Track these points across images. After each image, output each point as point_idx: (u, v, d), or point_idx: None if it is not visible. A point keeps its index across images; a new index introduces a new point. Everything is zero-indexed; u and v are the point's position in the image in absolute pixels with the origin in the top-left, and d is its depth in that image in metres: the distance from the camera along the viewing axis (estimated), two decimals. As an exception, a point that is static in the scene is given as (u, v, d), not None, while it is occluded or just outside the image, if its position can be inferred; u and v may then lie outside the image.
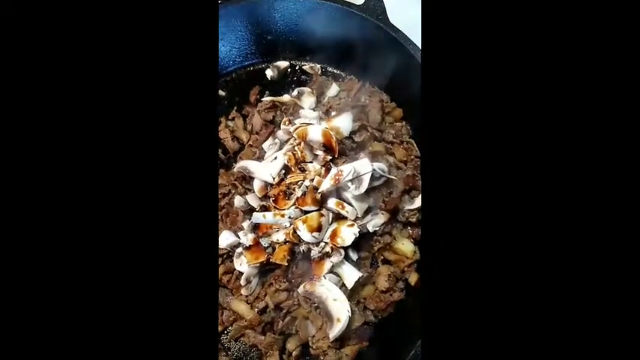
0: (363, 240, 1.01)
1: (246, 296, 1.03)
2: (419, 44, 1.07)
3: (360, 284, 0.99)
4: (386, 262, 1.04)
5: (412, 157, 1.12)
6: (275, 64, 1.33)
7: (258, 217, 0.99)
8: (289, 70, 1.33)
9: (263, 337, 1.00)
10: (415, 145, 1.14)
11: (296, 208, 0.98)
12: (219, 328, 1.04)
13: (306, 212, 0.98)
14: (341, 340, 0.97)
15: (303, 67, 1.33)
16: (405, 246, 1.04)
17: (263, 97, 1.26)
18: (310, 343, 0.99)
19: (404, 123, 1.18)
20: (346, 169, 0.95)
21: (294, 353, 0.99)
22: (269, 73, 1.32)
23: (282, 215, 0.97)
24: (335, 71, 1.31)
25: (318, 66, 1.31)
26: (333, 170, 0.96)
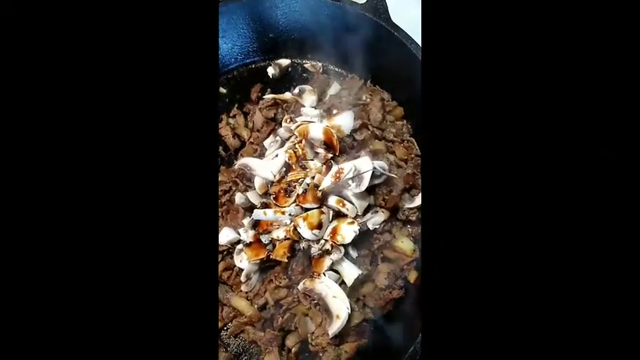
0: (363, 238, 1.01)
1: (246, 293, 1.04)
2: (421, 43, 1.07)
3: (359, 282, 1.00)
4: (385, 259, 1.04)
5: (412, 155, 1.13)
6: (276, 61, 1.33)
7: (258, 213, 0.99)
8: (291, 68, 1.34)
9: (262, 334, 1.01)
10: (416, 143, 1.15)
11: (296, 205, 0.98)
12: (219, 325, 1.05)
13: (307, 210, 0.98)
14: (340, 337, 0.98)
15: (305, 66, 1.33)
16: (405, 244, 1.04)
17: (264, 94, 1.27)
18: (309, 340, 0.99)
19: (405, 122, 1.18)
20: (347, 167, 0.95)
21: (293, 350, 1.00)
22: (270, 70, 1.32)
23: (283, 212, 0.98)
24: (336, 69, 1.31)
25: (320, 64, 1.32)
26: (334, 168, 0.97)
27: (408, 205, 1.04)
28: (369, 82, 1.24)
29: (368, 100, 1.18)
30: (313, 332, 0.99)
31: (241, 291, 1.04)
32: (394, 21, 1.12)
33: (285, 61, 1.33)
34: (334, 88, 1.24)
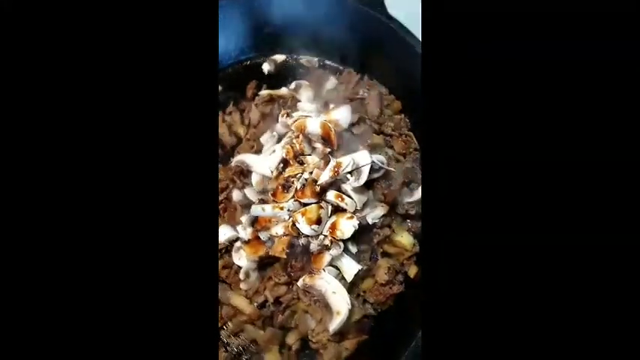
0: (363, 233, 1.00)
1: (246, 291, 1.02)
2: (417, 36, 1.06)
3: (359, 277, 0.99)
4: (385, 254, 1.03)
5: (411, 149, 1.12)
6: (272, 57, 1.32)
7: (257, 209, 0.98)
8: (286, 63, 1.32)
9: (263, 332, 0.99)
10: (414, 137, 1.13)
11: (295, 200, 0.97)
12: (218, 325, 1.03)
13: (305, 205, 0.97)
14: (341, 334, 0.96)
15: (300, 61, 1.32)
16: (405, 239, 1.03)
17: (260, 91, 1.25)
18: (310, 337, 0.98)
19: (403, 116, 1.17)
20: (345, 161, 0.94)
21: (293, 347, 0.99)
22: (266, 67, 1.31)
23: (281, 208, 0.96)
24: (333, 64, 1.30)
25: (316, 59, 1.30)
26: (332, 162, 0.95)
27: (407, 200, 1.03)
28: (365, 76, 1.23)
29: (365, 94, 1.17)
30: (313, 329, 0.98)
31: (240, 289, 1.03)
32: (390, 13, 1.11)
33: (280, 57, 1.32)
34: (331, 83, 1.22)
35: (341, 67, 1.28)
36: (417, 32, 1.06)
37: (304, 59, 1.31)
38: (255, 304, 1.01)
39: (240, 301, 1.02)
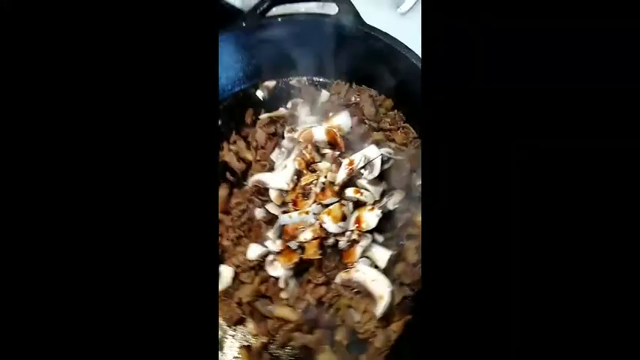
0: (386, 221, 1.06)
1: (287, 299, 1.07)
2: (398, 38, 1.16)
3: (391, 262, 1.04)
4: (411, 237, 1.09)
5: (411, 138, 1.20)
6: (264, 84, 1.40)
7: (284, 218, 1.03)
8: (278, 87, 1.40)
9: (311, 336, 1.03)
10: (412, 128, 1.22)
11: (317, 204, 1.03)
12: (265, 339, 1.07)
13: (328, 205, 1.03)
14: (386, 319, 1.01)
15: (291, 82, 1.40)
16: (424, 219, 1.09)
17: (259, 116, 1.33)
18: (357, 329, 1.02)
19: (396, 111, 1.25)
20: (357, 158, 1.01)
21: (344, 343, 1.02)
22: (260, 94, 1.39)
23: (307, 212, 1.02)
24: (321, 79, 1.38)
25: (305, 78, 1.39)
26: (345, 161, 1.03)
27: (418, 183, 1.11)
28: (353, 83, 1.32)
29: (357, 99, 1.26)
30: (359, 321, 1.02)
31: (281, 299, 1.07)
32: (366, 22, 1.21)
33: (271, 83, 1.39)
34: (324, 96, 1.31)
35: (329, 81, 1.37)
36: (395, 35, 1.17)
37: (294, 80, 1.39)
38: (299, 310, 1.05)
39: (284, 311, 1.05)
